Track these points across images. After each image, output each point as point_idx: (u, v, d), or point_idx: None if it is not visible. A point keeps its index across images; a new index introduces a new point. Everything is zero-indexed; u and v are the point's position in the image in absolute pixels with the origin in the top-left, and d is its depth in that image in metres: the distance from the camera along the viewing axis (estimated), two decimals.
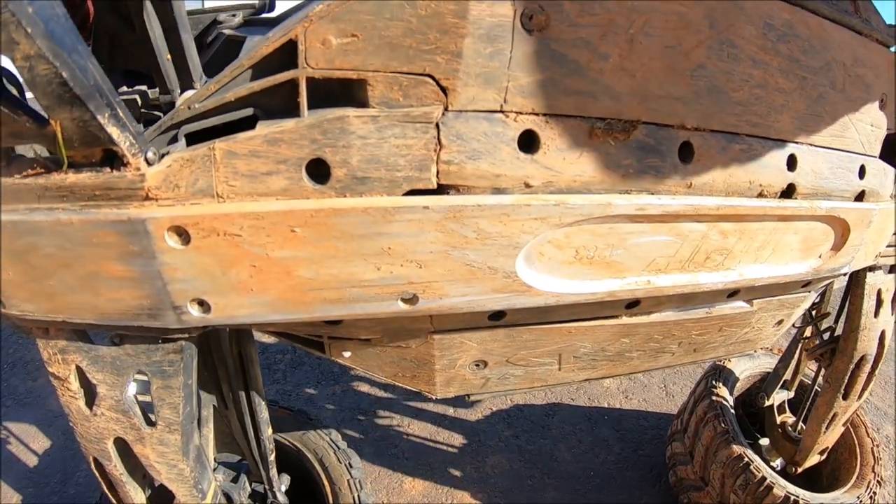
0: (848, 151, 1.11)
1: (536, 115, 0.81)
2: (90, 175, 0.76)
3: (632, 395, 2.96)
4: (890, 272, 1.44)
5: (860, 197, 1.16)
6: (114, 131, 0.73)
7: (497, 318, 0.99)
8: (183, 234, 0.79)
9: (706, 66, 0.90)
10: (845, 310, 1.49)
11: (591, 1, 0.80)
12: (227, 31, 1.25)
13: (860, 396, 1.54)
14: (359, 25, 0.75)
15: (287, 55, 0.77)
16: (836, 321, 1.64)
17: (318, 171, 0.78)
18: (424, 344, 1.00)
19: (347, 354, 1.03)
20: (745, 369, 2.15)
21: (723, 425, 1.84)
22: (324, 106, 0.79)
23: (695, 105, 0.90)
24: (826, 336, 1.60)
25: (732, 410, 1.91)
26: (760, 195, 1.00)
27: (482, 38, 0.76)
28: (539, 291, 0.89)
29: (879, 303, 1.42)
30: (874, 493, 1.78)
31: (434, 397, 1.10)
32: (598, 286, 0.94)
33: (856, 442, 1.88)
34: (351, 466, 1.55)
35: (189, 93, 0.96)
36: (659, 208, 0.89)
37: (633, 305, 1.05)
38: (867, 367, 1.47)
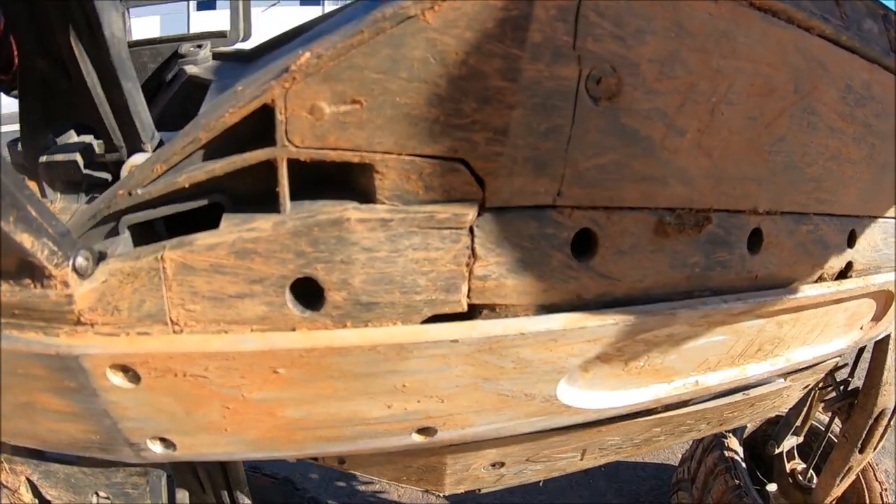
0: None
1: (596, 209, 0.58)
2: (7, 289, 0.50)
3: None
4: None
5: None
6: (25, 239, 0.46)
7: None
8: (130, 372, 0.53)
9: (786, 139, 0.68)
10: (864, 361, 1.36)
11: (672, 62, 0.55)
12: (189, 68, 0.92)
13: (875, 448, 1.44)
14: (363, 87, 0.48)
15: (260, 125, 0.50)
16: (852, 374, 1.52)
17: (308, 289, 0.53)
18: (436, 455, 0.78)
19: (344, 464, 0.80)
20: None
21: (735, 480, 1.72)
22: (313, 191, 0.53)
23: (769, 185, 0.69)
24: (842, 388, 1.48)
25: (744, 464, 1.79)
26: (820, 279, 0.81)
27: (536, 110, 0.51)
28: (579, 410, 0.68)
29: None
30: None
31: (440, 495, 0.89)
32: (643, 395, 0.74)
33: (864, 487, 1.79)
34: None
35: (137, 157, 0.67)
36: (724, 313, 0.68)
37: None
38: (885, 421, 1.36)
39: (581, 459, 0.92)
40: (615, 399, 0.71)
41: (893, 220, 0.91)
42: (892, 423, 1.40)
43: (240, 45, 1.05)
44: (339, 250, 0.51)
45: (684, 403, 0.90)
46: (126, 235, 0.56)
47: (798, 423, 1.81)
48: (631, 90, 0.55)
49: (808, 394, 1.76)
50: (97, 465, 0.72)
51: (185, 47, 1.00)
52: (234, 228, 0.51)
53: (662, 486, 2.50)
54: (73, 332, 0.52)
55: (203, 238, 0.51)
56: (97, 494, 0.76)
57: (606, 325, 0.59)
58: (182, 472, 1.03)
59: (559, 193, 0.55)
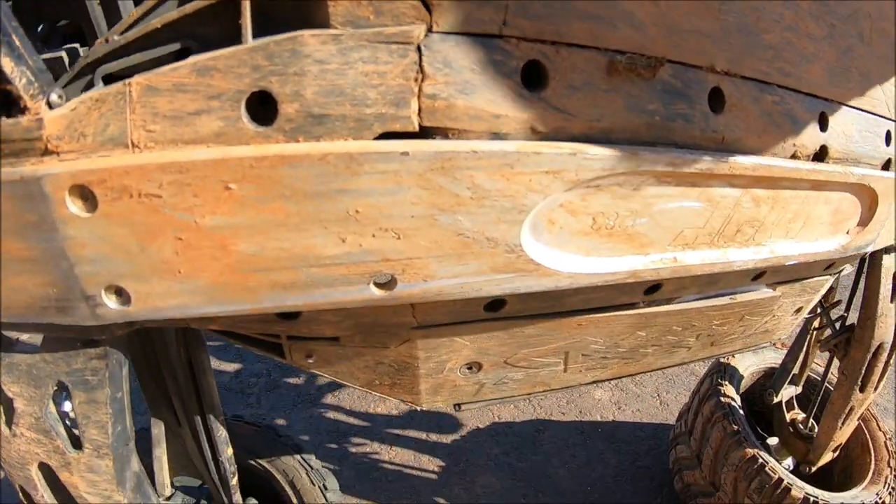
0: (874, 114, 0.92)
1: (544, 42, 0.59)
2: None
3: (625, 407, 2.66)
4: None
5: (886, 166, 0.97)
6: (6, 63, 0.51)
7: (495, 309, 0.75)
8: (88, 198, 0.55)
9: (735, 0, 0.69)
10: (858, 296, 1.30)
11: None
12: None
13: (876, 387, 1.34)
14: None
15: None
16: (848, 309, 1.45)
17: (265, 111, 0.54)
18: (405, 343, 0.76)
19: (311, 359, 0.78)
20: (750, 365, 1.92)
21: (733, 426, 1.61)
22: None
23: (724, 44, 0.70)
24: (838, 325, 1.41)
25: (741, 410, 1.68)
26: (794, 156, 0.80)
27: None
28: (549, 271, 0.66)
29: None
30: (893, 488, 1.57)
31: (419, 408, 0.85)
32: (618, 264, 0.71)
33: (868, 436, 1.67)
34: (326, 489, 1.28)
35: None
36: (692, 164, 0.67)
37: (653, 290, 0.82)
38: (884, 356, 1.28)
39: (565, 371, 0.88)
40: (588, 264, 0.69)
41: (868, 114, 0.90)
42: (892, 361, 1.30)
43: None
44: (292, 62, 0.53)
45: (668, 301, 0.86)
46: (100, 86, 0.59)
47: (796, 370, 1.70)
48: None
49: (804, 337, 1.66)
50: (58, 350, 0.72)
51: None
52: (198, 56, 0.54)
53: (661, 445, 2.38)
54: (40, 161, 0.54)
55: (169, 65, 0.54)
56: (58, 387, 0.74)
57: (563, 154, 0.59)
58: (155, 399, 1.00)
59: (504, 23, 0.57)
